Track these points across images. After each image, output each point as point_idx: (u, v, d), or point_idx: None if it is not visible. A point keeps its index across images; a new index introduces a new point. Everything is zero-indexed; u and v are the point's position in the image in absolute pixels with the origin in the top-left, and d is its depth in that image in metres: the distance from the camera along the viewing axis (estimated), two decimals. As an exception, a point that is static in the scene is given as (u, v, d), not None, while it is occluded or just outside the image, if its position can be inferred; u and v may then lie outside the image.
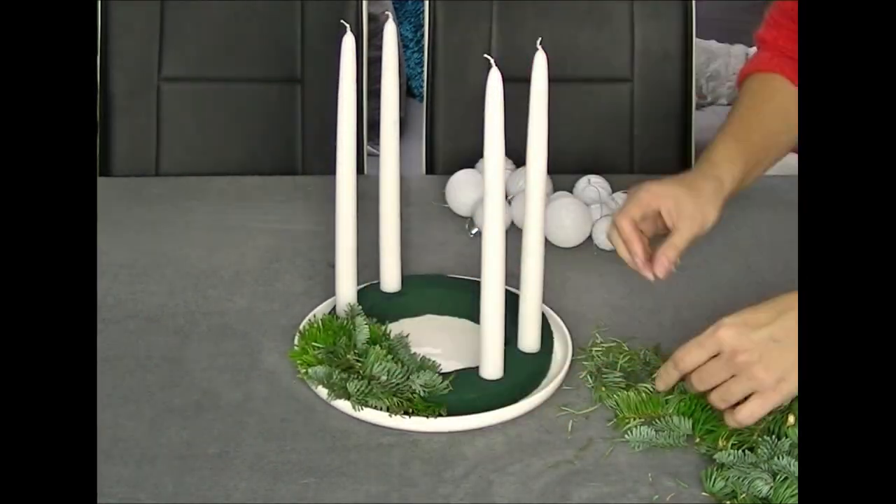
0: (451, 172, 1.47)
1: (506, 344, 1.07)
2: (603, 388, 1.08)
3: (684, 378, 1.01)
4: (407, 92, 2.90)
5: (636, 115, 1.74)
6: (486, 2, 1.73)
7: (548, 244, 1.15)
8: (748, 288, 1.26)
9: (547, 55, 1.02)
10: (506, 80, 0.99)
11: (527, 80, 1.03)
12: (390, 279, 1.21)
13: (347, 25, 1.09)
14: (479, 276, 1.05)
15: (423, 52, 1.77)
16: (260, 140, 1.71)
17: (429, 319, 1.21)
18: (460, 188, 1.44)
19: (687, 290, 1.26)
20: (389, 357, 1.06)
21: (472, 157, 1.51)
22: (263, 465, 0.99)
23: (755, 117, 1.23)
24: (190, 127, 1.70)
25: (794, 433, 0.98)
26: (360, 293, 1.17)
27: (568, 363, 1.11)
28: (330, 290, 1.20)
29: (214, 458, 0.99)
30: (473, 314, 1.08)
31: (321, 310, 1.19)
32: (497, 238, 1.03)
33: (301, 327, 1.15)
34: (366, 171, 1.72)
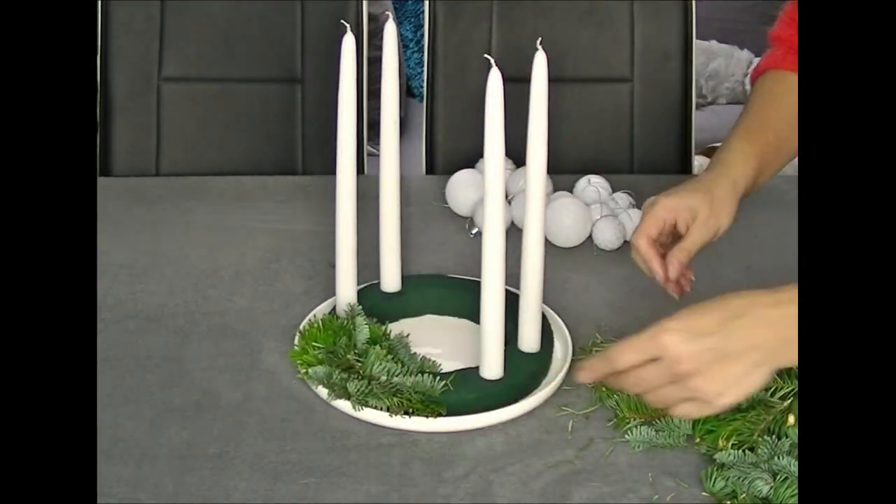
0: (451, 172, 1.47)
1: (506, 344, 1.07)
2: (603, 388, 1.08)
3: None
4: (407, 92, 2.90)
5: (636, 115, 1.74)
6: (486, 2, 1.73)
7: (548, 244, 1.15)
8: (748, 288, 1.25)
9: (547, 55, 1.02)
10: (506, 80, 0.99)
11: (527, 80, 1.03)
12: (390, 279, 1.21)
13: (347, 25, 1.09)
14: (479, 276, 1.05)
15: (423, 52, 1.77)
16: (260, 140, 1.71)
17: (429, 319, 1.21)
18: (460, 188, 1.44)
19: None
20: (389, 357, 1.07)
21: (472, 157, 1.51)
22: (263, 465, 0.99)
23: (769, 115, 1.22)
24: (190, 127, 1.70)
25: (794, 433, 0.98)
26: (360, 293, 1.17)
27: (568, 363, 1.11)
28: (330, 290, 1.20)
29: (214, 458, 0.99)
30: (473, 314, 1.08)
31: (321, 310, 1.19)
32: (497, 238, 1.03)
33: (301, 327, 1.15)
34: (366, 171, 1.72)
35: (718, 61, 2.96)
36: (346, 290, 1.16)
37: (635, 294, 1.26)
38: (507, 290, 1.05)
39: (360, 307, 1.14)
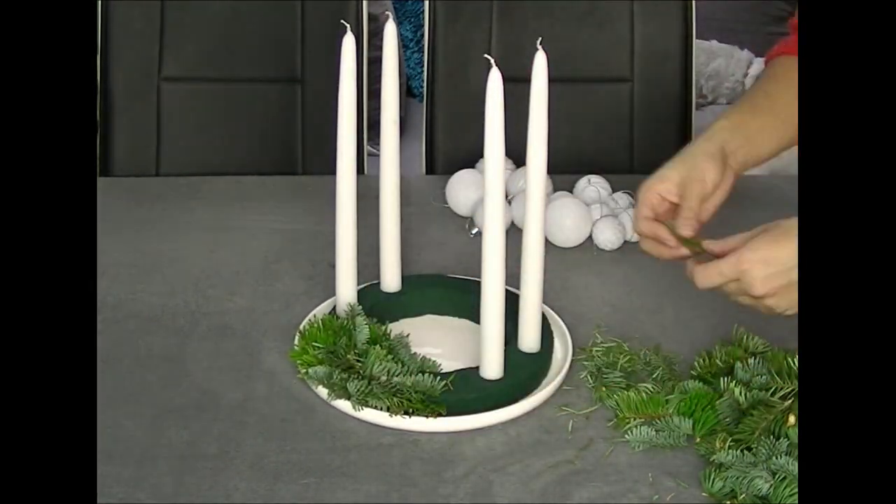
0: (451, 172, 1.47)
1: (506, 344, 1.07)
2: (603, 388, 1.08)
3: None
4: (407, 92, 2.90)
5: (636, 115, 1.74)
6: (486, 2, 1.73)
7: (548, 244, 1.15)
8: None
9: (547, 55, 1.02)
10: (506, 80, 0.99)
11: (527, 80, 1.03)
12: (390, 279, 1.21)
13: (347, 25, 1.09)
14: (479, 276, 1.05)
15: (423, 52, 1.77)
16: (260, 140, 1.71)
17: (429, 319, 1.21)
18: (460, 188, 1.44)
19: (687, 290, 1.25)
20: (389, 357, 1.06)
21: (472, 157, 1.51)
22: (263, 465, 0.99)
23: (774, 93, 1.21)
24: (190, 127, 1.70)
25: (794, 433, 0.98)
26: (360, 293, 1.17)
27: (568, 363, 1.11)
28: (330, 290, 1.20)
29: (214, 458, 0.99)
30: (473, 314, 1.08)
31: (321, 310, 1.19)
32: (497, 238, 1.03)
33: (301, 327, 1.15)
34: (366, 171, 1.72)
35: (718, 61, 2.95)
36: (346, 290, 1.16)
37: (635, 294, 1.26)
38: (507, 290, 1.05)
39: (360, 307, 1.14)
